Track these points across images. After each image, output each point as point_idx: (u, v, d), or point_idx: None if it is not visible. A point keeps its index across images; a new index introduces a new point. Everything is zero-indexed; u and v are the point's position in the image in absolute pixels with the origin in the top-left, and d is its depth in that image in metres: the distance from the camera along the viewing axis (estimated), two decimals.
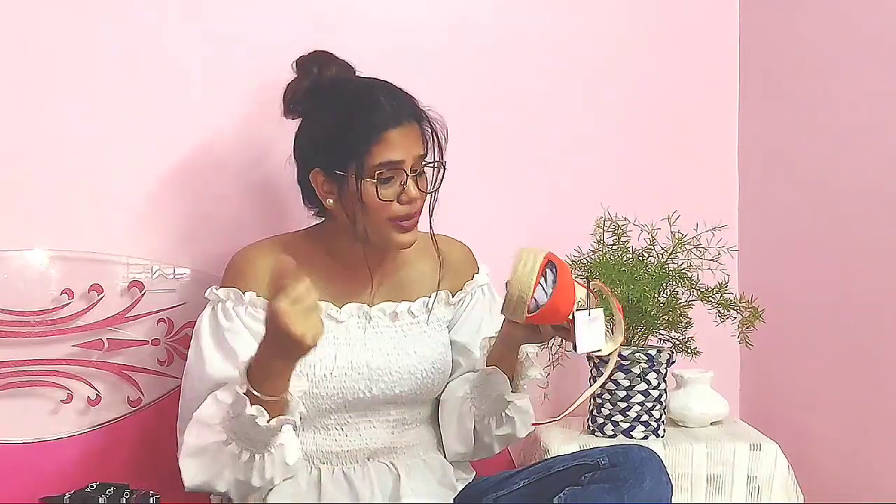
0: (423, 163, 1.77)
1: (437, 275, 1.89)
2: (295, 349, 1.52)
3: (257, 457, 1.63)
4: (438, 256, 1.89)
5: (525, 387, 1.84)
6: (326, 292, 1.81)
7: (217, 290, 1.80)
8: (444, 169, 1.81)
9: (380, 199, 1.73)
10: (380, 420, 1.82)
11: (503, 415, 1.82)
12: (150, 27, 2.04)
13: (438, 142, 1.81)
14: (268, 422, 1.57)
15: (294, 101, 1.84)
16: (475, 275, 1.94)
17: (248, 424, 1.58)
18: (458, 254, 1.94)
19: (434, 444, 1.89)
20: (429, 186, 1.79)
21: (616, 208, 2.17)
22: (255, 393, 1.56)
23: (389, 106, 1.74)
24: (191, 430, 1.64)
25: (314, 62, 1.84)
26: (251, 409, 1.56)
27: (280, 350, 1.53)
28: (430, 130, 1.79)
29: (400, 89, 1.79)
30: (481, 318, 1.91)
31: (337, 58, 1.87)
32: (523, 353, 1.80)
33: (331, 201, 1.78)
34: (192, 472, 1.64)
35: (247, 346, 1.69)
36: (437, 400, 1.90)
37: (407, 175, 1.74)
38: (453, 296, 1.91)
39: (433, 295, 1.88)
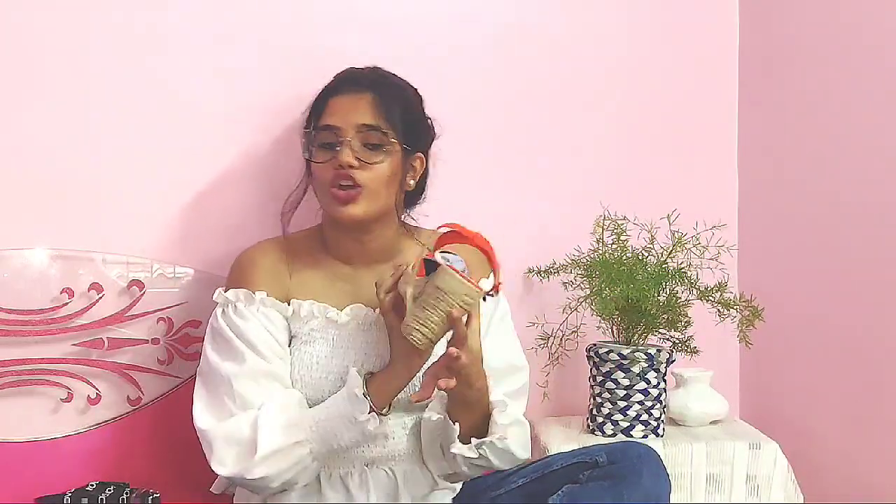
0: (376, 137, 1.77)
1: None
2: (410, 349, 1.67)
3: (315, 463, 1.71)
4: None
5: (510, 426, 1.77)
6: (329, 293, 1.82)
7: (225, 292, 1.80)
8: (392, 143, 1.78)
9: (314, 160, 1.79)
10: None
11: (477, 451, 1.75)
12: (151, 27, 2.04)
13: (388, 114, 1.78)
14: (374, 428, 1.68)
15: None
16: (482, 279, 1.91)
17: (348, 428, 1.68)
18: (469, 258, 1.93)
19: None
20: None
21: (616, 207, 2.17)
22: (375, 408, 1.68)
23: (344, 76, 1.84)
24: (272, 430, 1.68)
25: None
26: (364, 416, 1.66)
27: (402, 360, 1.69)
28: (388, 106, 1.79)
29: (377, 67, 1.87)
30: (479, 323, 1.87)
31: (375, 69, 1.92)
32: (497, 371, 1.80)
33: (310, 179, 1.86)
34: (261, 469, 1.67)
35: (265, 342, 1.75)
36: None
37: (342, 141, 1.76)
38: None
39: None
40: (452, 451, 1.73)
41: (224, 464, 1.69)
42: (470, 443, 1.73)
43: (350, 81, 1.82)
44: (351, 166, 1.75)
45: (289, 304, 1.81)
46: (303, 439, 1.68)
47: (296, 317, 1.80)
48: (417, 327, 1.64)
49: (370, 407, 1.67)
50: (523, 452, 1.81)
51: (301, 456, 1.69)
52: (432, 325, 1.63)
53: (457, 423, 1.73)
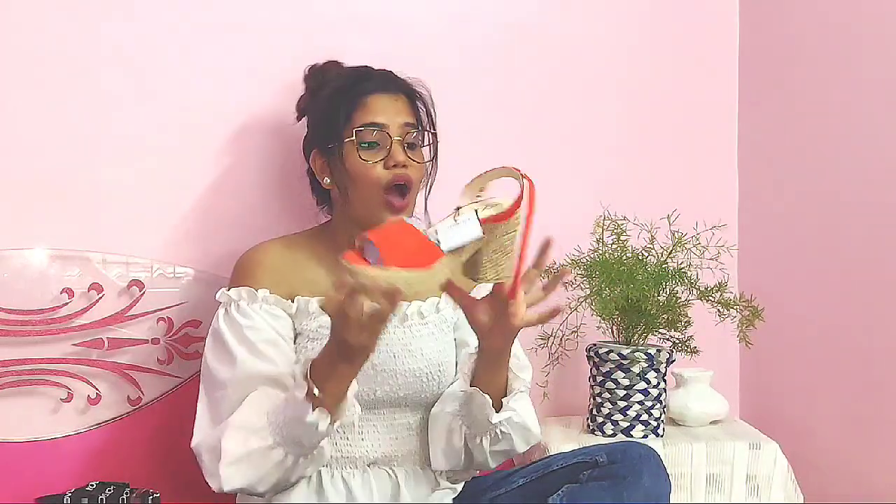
0: (412, 131, 1.80)
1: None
2: (357, 356, 1.53)
3: (301, 459, 1.62)
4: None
5: (522, 390, 1.75)
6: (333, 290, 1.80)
7: (228, 290, 1.79)
8: (436, 141, 1.84)
9: (362, 159, 1.76)
10: (384, 425, 1.79)
11: (498, 432, 1.73)
12: (152, 27, 2.04)
13: (429, 114, 1.86)
14: (329, 424, 1.56)
15: (300, 104, 1.93)
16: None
17: (305, 430, 1.56)
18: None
19: None
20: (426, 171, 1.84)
21: (616, 207, 2.17)
22: (317, 394, 1.53)
23: (375, 76, 1.83)
24: (232, 437, 1.61)
25: (318, 73, 1.92)
26: (312, 416, 1.53)
27: (343, 355, 1.53)
28: (420, 105, 1.85)
29: (393, 72, 1.87)
30: None
31: (341, 64, 1.92)
32: (512, 358, 1.73)
33: (327, 180, 1.83)
34: (232, 479, 1.60)
35: (269, 341, 1.72)
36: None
37: (392, 140, 1.76)
38: None
39: (442, 296, 1.84)
40: (493, 420, 1.69)
41: (209, 474, 1.65)
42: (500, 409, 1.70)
43: (382, 81, 1.83)
44: (405, 165, 1.76)
45: (293, 302, 1.79)
46: (272, 443, 1.60)
47: (303, 313, 1.78)
48: (507, 273, 1.56)
49: (313, 407, 1.56)
50: (536, 427, 1.80)
51: (276, 460, 1.60)
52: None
53: (487, 396, 1.69)
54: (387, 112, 1.79)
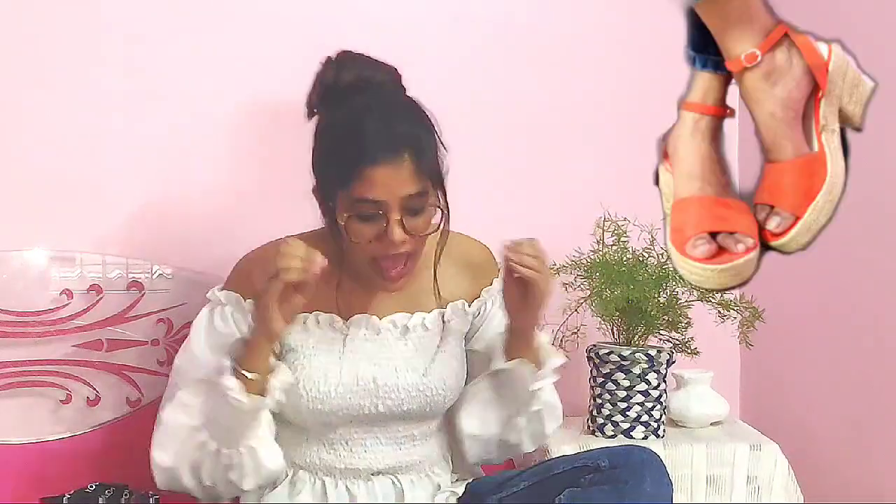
0: (419, 201, 1.63)
1: (459, 279, 1.82)
2: (265, 330, 1.61)
3: (225, 453, 1.63)
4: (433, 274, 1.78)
5: (548, 377, 1.78)
6: (338, 301, 1.75)
7: (218, 291, 1.76)
8: (447, 212, 1.69)
9: (354, 238, 1.64)
10: (387, 436, 1.77)
11: (532, 412, 1.78)
12: (151, 29, 2.04)
13: (428, 170, 1.65)
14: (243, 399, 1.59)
15: (309, 101, 1.76)
16: (494, 279, 1.85)
17: (224, 405, 1.59)
18: (478, 256, 1.86)
19: (440, 458, 1.85)
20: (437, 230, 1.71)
21: (616, 208, 2.17)
22: (239, 368, 1.60)
23: (375, 135, 1.61)
24: (165, 408, 1.67)
25: (334, 63, 1.74)
26: (228, 381, 1.58)
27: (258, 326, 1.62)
28: (426, 164, 1.64)
29: (399, 111, 1.67)
30: (502, 325, 1.82)
31: (363, 57, 1.73)
32: (540, 343, 1.77)
33: (325, 219, 1.73)
34: (158, 455, 1.66)
35: (236, 352, 1.69)
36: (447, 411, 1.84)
37: (389, 217, 1.61)
38: (470, 305, 1.83)
39: (447, 307, 1.80)
40: (536, 386, 1.75)
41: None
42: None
43: (385, 145, 1.60)
44: (404, 243, 1.63)
45: None
46: (191, 424, 1.64)
47: (298, 329, 1.72)
48: None
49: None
50: (560, 405, 1.87)
51: (198, 442, 1.63)
52: None
53: (529, 364, 1.74)
54: (386, 186, 1.60)
